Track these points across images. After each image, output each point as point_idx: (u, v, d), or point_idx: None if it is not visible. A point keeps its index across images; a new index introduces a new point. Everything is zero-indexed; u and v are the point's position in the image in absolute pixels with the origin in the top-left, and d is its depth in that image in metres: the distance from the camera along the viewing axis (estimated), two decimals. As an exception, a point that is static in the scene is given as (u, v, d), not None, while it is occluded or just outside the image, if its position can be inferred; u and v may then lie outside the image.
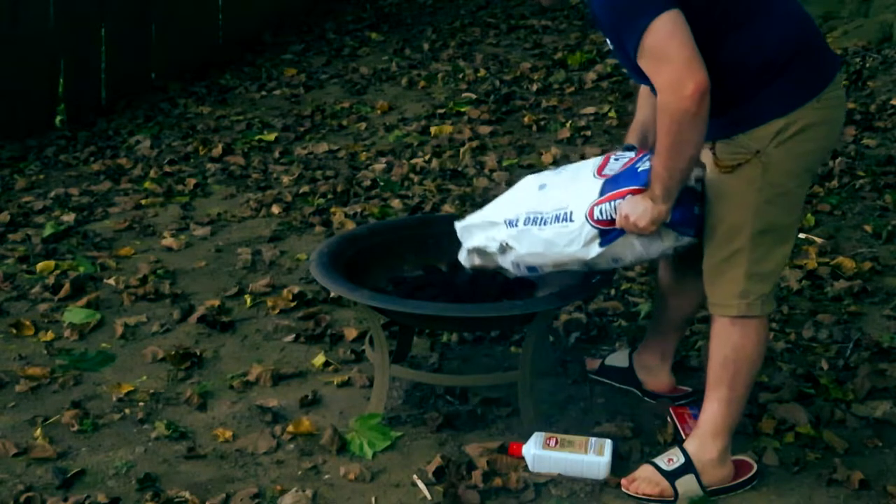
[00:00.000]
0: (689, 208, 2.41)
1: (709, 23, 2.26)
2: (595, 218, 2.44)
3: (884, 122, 5.34)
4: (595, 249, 2.48)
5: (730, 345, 2.46)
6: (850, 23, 7.00)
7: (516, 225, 2.59)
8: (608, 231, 2.45)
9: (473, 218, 2.74)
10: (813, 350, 3.25)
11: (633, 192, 2.39)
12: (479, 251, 2.70)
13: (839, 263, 3.79)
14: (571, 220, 2.48)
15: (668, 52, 2.19)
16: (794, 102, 2.32)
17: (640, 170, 2.42)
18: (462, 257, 2.76)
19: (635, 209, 2.37)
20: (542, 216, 2.54)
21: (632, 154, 2.54)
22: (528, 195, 2.63)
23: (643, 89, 2.67)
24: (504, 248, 2.63)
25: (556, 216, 2.51)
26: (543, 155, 5.07)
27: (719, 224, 2.41)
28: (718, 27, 2.28)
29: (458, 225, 2.77)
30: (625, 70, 2.66)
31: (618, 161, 2.53)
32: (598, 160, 2.59)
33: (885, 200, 4.38)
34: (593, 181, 2.49)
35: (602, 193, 2.44)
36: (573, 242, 2.49)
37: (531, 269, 2.65)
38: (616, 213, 2.41)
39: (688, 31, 2.19)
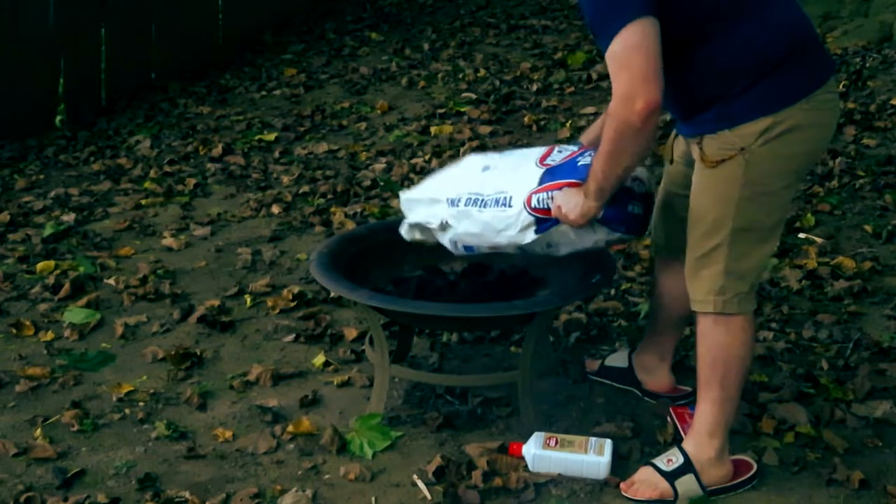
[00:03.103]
0: (623, 207, 2.46)
1: (699, 17, 2.26)
2: (532, 206, 2.50)
3: (884, 122, 5.34)
4: (530, 236, 2.54)
5: (717, 345, 2.47)
6: (850, 23, 7.00)
7: (457, 205, 2.63)
8: (544, 220, 2.51)
9: (417, 192, 2.77)
10: (813, 350, 3.26)
11: (571, 185, 2.45)
12: (420, 226, 2.73)
13: (839, 263, 3.79)
14: (510, 206, 2.54)
15: (630, 63, 2.20)
16: (783, 102, 2.31)
17: (579, 164, 2.49)
18: (403, 230, 2.79)
19: (567, 202, 2.43)
20: (482, 198, 2.60)
21: (575, 148, 2.61)
22: (472, 175, 2.68)
23: None
24: (444, 226, 2.67)
25: (497, 199, 2.57)
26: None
27: (701, 219, 2.42)
28: (709, 21, 2.28)
29: (403, 196, 2.80)
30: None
31: (560, 153, 2.60)
32: (542, 150, 2.65)
33: (885, 200, 4.38)
34: (534, 169, 2.56)
35: (541, 182, 2.51)
36: (510, 227, 2.55)
37: (468, 248, 2.69)
38: (551, 203, 2.47)
39: (656, 43, 2.19)
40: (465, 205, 2.61)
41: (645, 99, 2.18)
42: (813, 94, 2.33)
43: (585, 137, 2.73)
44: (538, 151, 2.64)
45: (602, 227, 2.50)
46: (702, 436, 2.53)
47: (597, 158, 2.35)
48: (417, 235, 2.76)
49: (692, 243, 2.46)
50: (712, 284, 2.42)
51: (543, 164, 2.56)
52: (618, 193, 2.42)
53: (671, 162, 2.65)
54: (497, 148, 5.24)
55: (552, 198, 2.47)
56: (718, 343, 2.47)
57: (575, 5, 7.99)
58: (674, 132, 2.62)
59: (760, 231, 2.41)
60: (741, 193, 2.35)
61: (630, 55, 2.19)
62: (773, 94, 2.31)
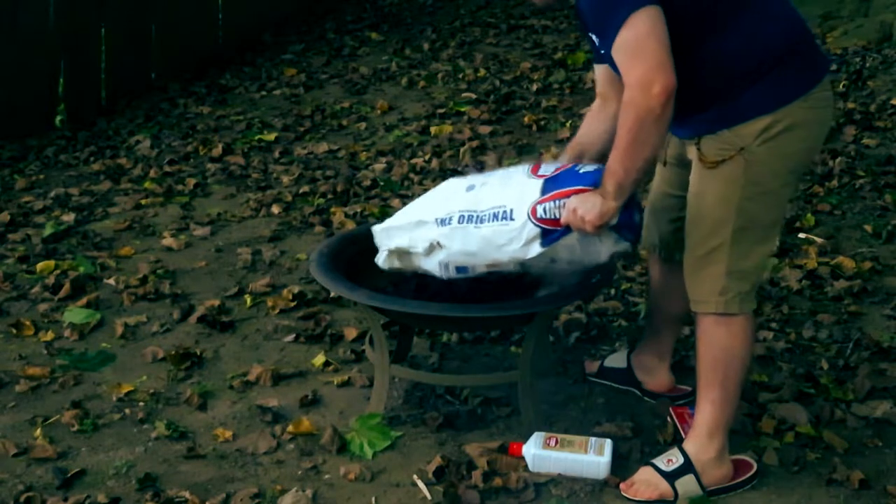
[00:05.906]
0: (632, 214, 2.41)
1: (696, 17, 2.26)
2: (538, 216, 2.42)
3: (884, 122, 5.34)
4: (535, 249, 2.46)
5: (717, 345, 2.47)
6: (850, 23, 7.00)
7: (449, 223, 2.54)
8: (551, 231, 2.43)
9: (394, 219, 2.68)
10: (813, 350, 3.26)
11: (579, 192, 2.38)
12: (401, 252, 2.65)
13: (839, 263, 3.79)
14: (511, 219, 2.45)
15: (643, 49, 2.19)
16: (781, 100, 2.31)
17: (581, 171, 2.43)
18: (380, 259, 2.70)
19: (584, 204, 2.35)
20: (477, 215, 2.50)
21: (559, 165, 2.54)
22: (456, 196, 2.58)
23: (592, 111, 2.67)
24: (433, 248, 2.58)
25: (494, 214, 2.48)
26: (543, 155, 5.07)
27: (701, 220, 2.41)
28: (706, 22, 2.29)
29: (378, 228, 2.70)
30: (596, 70, 2.66)
31: (551, 166, 2.52)
32: (528, 165, 2.57)
33: (885, 200, 4.38)
34: (531, 181, 2.47)
35: (544, 192, 2.43)
36: (513, 241, 2.46)
37: (461, 269, 2.60)
38: (560, 212, 2.39)
39: (665, 30, 2.19)
40: (459, 222, 2.52)
41: (662, 83, 2.17)
42: (810, 92, 2.33)
43: (566, 158, 2.64)
44: (524, 166, 2.56)
45: (609, 237, 2.43)
46: (702, 436, 2.53)
47: (614, 155, 2.29)
48: (396, 263, 2.68)
49: (692, 244, 2.45)
50: (714, 285, 2.42)
51: (538, 176, 2.48)
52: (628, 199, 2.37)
53: (664, 164, 2.65)
54: (497, 148, 5.24)
55: (561, 206, 2.39)
56: (719, 343, 2.47)
57: (574, 6, 7.98)
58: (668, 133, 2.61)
59: (760, 230, 2.41)
60: (742, 193, 2.35)
61: (643, 42, 2.18)
62: (771, 92, 2.31)
